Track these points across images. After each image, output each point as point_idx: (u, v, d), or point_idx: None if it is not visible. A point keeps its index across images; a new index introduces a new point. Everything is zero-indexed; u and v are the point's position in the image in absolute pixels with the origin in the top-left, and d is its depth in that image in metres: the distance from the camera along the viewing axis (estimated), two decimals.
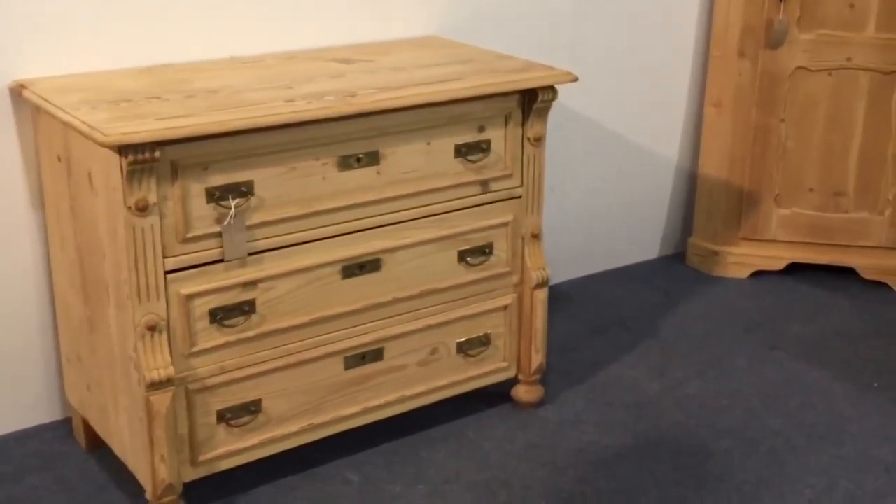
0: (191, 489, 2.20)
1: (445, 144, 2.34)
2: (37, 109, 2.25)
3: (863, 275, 3.37)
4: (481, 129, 2.38)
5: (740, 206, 3.40)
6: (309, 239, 2.21)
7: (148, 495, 2.15)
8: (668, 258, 3.60)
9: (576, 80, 2.43)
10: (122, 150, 1.92)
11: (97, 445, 2.42)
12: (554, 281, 2.98)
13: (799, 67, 3.23)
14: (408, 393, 2.45)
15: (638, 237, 3.54)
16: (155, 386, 2.06)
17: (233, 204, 2.08)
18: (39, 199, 2.37)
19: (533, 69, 2.45)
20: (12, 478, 2.36)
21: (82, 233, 2.18)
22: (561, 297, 3.23)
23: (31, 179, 2.36)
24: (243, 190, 2.09)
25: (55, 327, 2.47)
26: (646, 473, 2.41)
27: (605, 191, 3.36)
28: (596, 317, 3.16)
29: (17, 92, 2.26)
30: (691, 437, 2.55)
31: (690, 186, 3.54)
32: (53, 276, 2.40)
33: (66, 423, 2.54)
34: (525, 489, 2.35)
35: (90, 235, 2.14)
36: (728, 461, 2.46)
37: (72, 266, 2.27)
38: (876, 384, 2.79)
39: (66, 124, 2.03)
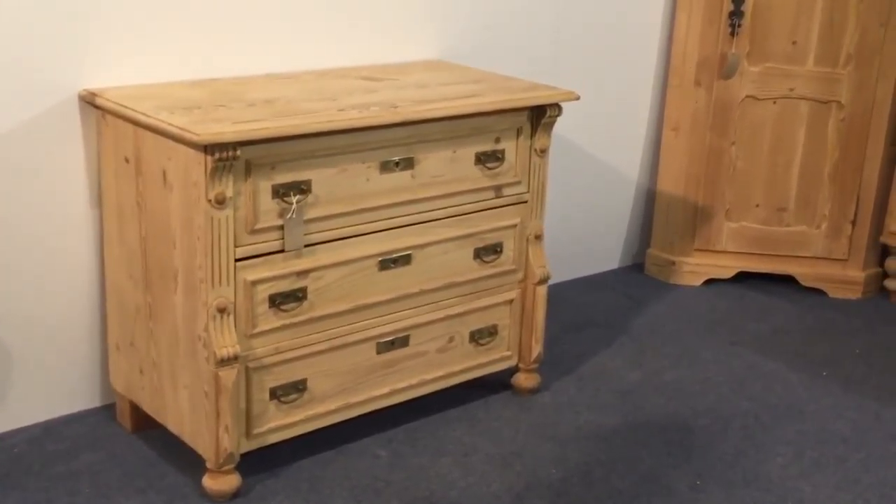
0: (241, 460, 2.43)
1: (468, 153, 2.64)
2: (103, 115, 2.47)
3: (801, 282, 3.77)
4: (497, 140, 2.69)
5: (695, 220, 3.77)
6: (354, 234, 2.47)
7: (209, 464, 2.38)
8: (629, 268, 3.95)
9: (578, 98, 2.76)
10: (209, 148, 2.16)
11: (143, 428, 2.63)
12: None
13: (748, 96, 3.63)
14: (428, 377, 2.73)
15: (600, 248, 3.88)
16: (223, 362, 2.29)
17: (294, 200, 2.33)
18: (97, 198, 2.58)
19: (539, 88, 2.77)
20: (67, 454, 2.55)
21: (150, 226, 2.40)
22: None
23: (92, 180, 2.57)
24: (303, 188, 2.35)
25: (103, 317, 2.67)
26: (639, 446, 2.73)
27: (571, 204, 3.69)
28: (571, 317, 3.48)
29: (87, 99, 2.48)
30: (674, 417, 2.88)
31: (649, 202, 3.90)
32: (107, 268, 2.60)
33: (107, 408, 2.74)
34: (536, 460, 2.64)
35: (159, 227, 2.37)
36: (708, 436, 2.79)
37: (131, 258, 2.49)
38: (825, 373, 3.17)
39: (150, 127, 2.26)
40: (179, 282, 2.35)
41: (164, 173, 2.32)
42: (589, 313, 3.53)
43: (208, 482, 2.39)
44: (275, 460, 2.55)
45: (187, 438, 2.45)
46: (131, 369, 2.59)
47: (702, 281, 3.81)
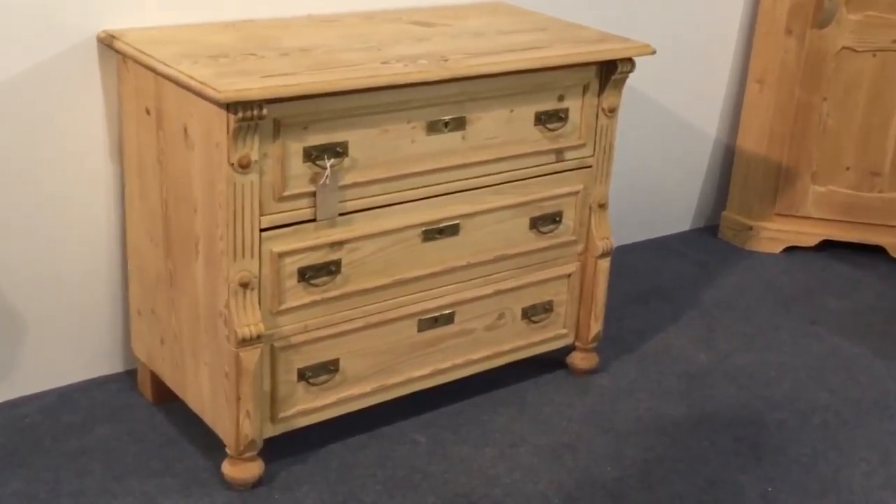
0: (266, 444, 2.22)
1: (527, 112, 2.35)
2: (124, 60, 2.23)
3: (893, 254, 3.44)
4: (561, 98, 2.40)
5: (777, 182, 3.45)
6: (395, 202, 2.22)
7: (229, 450, 2.17)
8: (701, 231, 3.65)
9: (654, 52, 2.45)
10: (232, 107, 1.91)
11: (164, 399, 2.43)
12: None
13: (845, 47, 3.27)
14: (474, 357, 2.48)
15: (671, 209, 3.59)
16: (245, 342, 2.07)
17: (328, 164, 2.08)
18: (118, 151, 2.36)
19: (610, 40, 2.46)
20: (82, 428, 2.36)
21: (171, 186, 2.17)
22: None
23: (112, 131, 2.34)
24: (338, 150, 2.10)
25: (125, 280, 2.47)
26: (705, 442, 2.47)
27: (641, 161, 3.39)
28: (635, 287, 3.21)
29: (106, 42, 2.24)
30: (745, 408, 2.61)
31: (727, 161, 3.58)
32: (128, 229, 2.39)
33: (129, 375, 2.55)
34: (590, 454, 2.39)
35: (180, 189, 2.14)
36: (783, 433, 2.52)
37: (153, 219, 2.27)
38: None
39: (171, 78, 2.02)
40: (200, 251, 2.12)
41: (186, 129, 2.08)
42: (655, 282, 3.25)
43: (228, 469, 2.19)
44: (303, 444, 2.33)
45: (207, 419, 2.25)
46: (152, 338, 2.39)
47: (781, 248, 3.49)
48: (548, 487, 2.27)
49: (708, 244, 3.55)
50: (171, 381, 2.36)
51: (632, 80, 3.23)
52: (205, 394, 2.22)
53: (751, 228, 3.50)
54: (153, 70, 2.08)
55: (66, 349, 2.48)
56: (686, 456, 2.41)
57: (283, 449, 2.30)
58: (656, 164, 3.45)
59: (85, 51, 2.27)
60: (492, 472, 2.31)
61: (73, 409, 2.42)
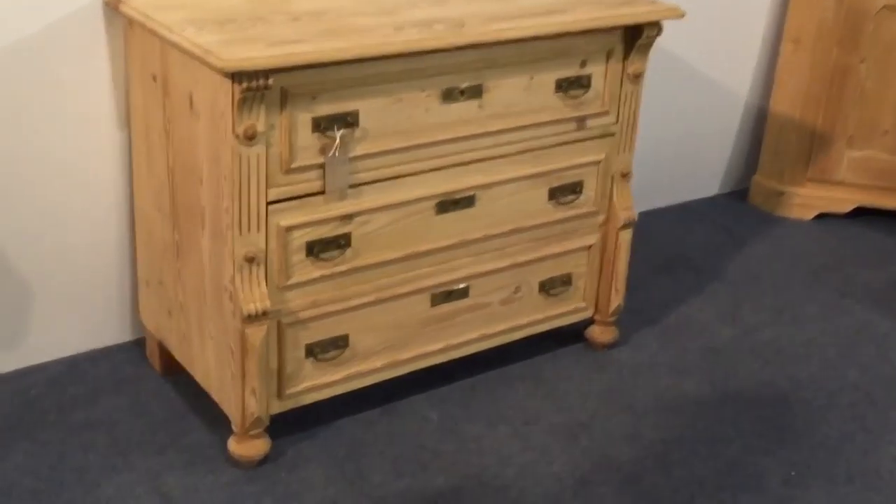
0: (274, 420, 2.17)
1: (547, 79, 2.25)
2: (131, 25, 2.15)
3: None
4: (583, 64, 2.29)
5: (810, 146, 3.33)
6: (408, 172, 2.13)
7: (235, 427, 2.12)
8: (729, 195, 3.54)
9: (683, 15, 2.34)
10: (236, 76, 1.83)
11: (172, 370, 2.38)
12: None
13: (886, 6, 3.12)
14: (489, 331, 2.41)
15: (699, 173, 3.47)
16: (251, 319, 2.01)
17: (338, 134, 2.00)
18: (126, 117, 2.28)
19: (636, 2, 2.35)
20: (87, 399, 2.32)
21: (177, 156, 2.10)
22: None
23: (119, 97, 2.27)
24: (349, 120, 2.01)
25: (133, 248, 2.41)
26: (727, 423, 2.39)
27: (668, 123, 3.27)
28: (659, 255, 3.11)
29: (112, 5, 2.15)
30: (769, 387, 2.53)
31: (758, 123, 3.46)
32: (136, 197, 2.32)
33: (138, 344, 2.50)
34: (606, 435, 2.32)
35: (187, 159, 2.07)
36: (808, 413, 2.43)
37: (160, 188, 2.20)
38: None
39: (175, 45, 1.93)
40: (206, 223, 2.05)
41: (191, 98, 2.00)
42: (680, 250, 3.15)
43: (233, 446, 2.14)
44: (313, 419, 2.28)
45: (214, 394, 2.19)
46: (160, 309, 2.33)
47: (813, 215, 3.38)
48: (561, 469, 2.21)
49: (737, 210, 3.44)
50: (178, 354, 2.30)
51: (660, 38, 3.13)
52: (211, 368, 2.17)
53: (782, 194, 3.39)
54: (158, 36, 2.00)
55: (75, 318, 2.43)
56: (706, 437, 2.34)
57: (291, 424, 2.24)
58: (685, 125, 3.33)
59: (91, 13, 2.18)
60: (504, 452, 2.25)
61: (80, 379, 2.38)
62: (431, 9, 2.20)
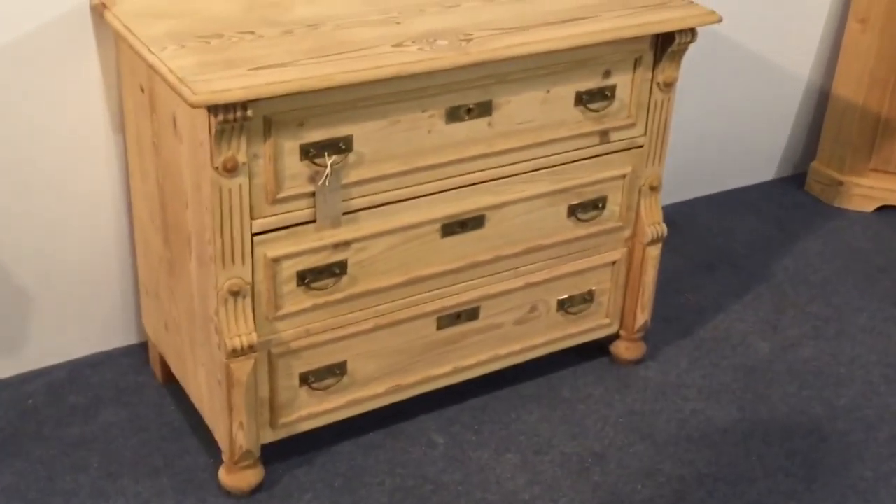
0: (270, 446, 2.08)
1: (566, 92, 2.08)
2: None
3: None
4: (607, 74, 2.11)
5: (874, 134, 3.09)
6: (408, 196, 1.99)
7: (224, 458, 2.04)
8: (785, 181, 3.32)
9: (720, 20, 2.13)
10: (212, 108, 1.70)
11: (173, 378, 2.30)
12: None
13: None
14: (502, 352, 2.28)
15: (754, 157, 3.26)
16: (236, 353, 1.91)
17: (329, 162, 1.86)
18: (120, 122, 2.18)
19: (670, 6, 2.14)
20: (85, 412, 2.26)
21: (165, 173, 1.99)
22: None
23: (112, 102, 2.16)
24: (341, 146, 1.87)
25: (133, 254, 2.33)
26: (753, 458, 2.24)
27: (721, 104, 3.06)
28: (702, 250, 2.93)
29: (98, 11, 2.03)
30: (804, 415, 2.36)
31: (820, 107, 3.22)
32: (133, 204, 2.23)
33: (142, 347, 2.43)
34: (621, 468, 2.19)
35: (174, 179, 1.95)
36: (844, 448, 2.27)
37: (152, 201, 2.10)
38: None
39: (151, 66, 1.80)
40: (193, 248, 1.95)
41: (175, 119, 1.88)
42: (725, 245, 2.96)
43: (224, 476, 2.06)
44: (311, 444, 2.18)
45: (206, 418, 2.12)
46: (158, 321, 2.25)
47: (874, 207, 3.15)
48: None
49: (792, 197, 3.23)
50: (175, 369, 2.23)
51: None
52: (203, 392, 2.09)
53: (841, 184, 3.16)
54: (137, 53, 1.87)
55: (78, 322, 2.36)
56: (728, 474, 2.19)
57: (289, 448, 2.16)
58: (739, 107, 3.11)
59: (79, 18, 2.06)
60: (509, 486, 2.13)
61: (81, 387, 2.32)
62: (440, 16, 2.03)
